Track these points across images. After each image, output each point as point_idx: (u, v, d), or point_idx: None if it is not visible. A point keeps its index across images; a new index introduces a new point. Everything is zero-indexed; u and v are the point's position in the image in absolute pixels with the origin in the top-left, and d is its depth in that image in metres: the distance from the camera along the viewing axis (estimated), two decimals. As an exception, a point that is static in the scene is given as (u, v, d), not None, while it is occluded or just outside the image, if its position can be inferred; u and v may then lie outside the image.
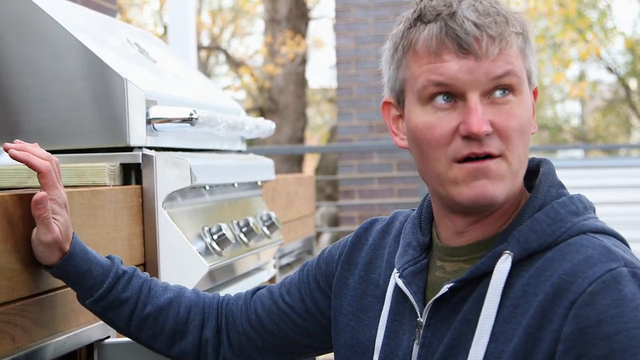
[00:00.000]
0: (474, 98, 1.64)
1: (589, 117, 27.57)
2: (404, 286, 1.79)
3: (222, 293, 2.60)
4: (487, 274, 1.66)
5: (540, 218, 1.67)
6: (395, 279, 1.83)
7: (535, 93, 1.76)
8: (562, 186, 1.76)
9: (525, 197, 1.75)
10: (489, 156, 1.64)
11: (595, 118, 27.30)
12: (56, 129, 2.39)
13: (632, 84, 24.90)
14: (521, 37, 1.67)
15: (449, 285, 1.70)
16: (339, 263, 2.00)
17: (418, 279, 1.79)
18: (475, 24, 1.63)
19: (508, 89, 1.65)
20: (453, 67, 1.65)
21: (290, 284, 2.05)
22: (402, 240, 1.89)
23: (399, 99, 1.76)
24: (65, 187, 2.16)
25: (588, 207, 1.73)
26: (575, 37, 19.01)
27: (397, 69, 1.75)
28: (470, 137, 1.63)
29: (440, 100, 1.67)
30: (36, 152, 1.87)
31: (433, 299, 1.73)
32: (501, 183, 1.65)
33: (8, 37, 2.42)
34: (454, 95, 1.66)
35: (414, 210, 1.94)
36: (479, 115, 1.62)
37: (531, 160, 1.81)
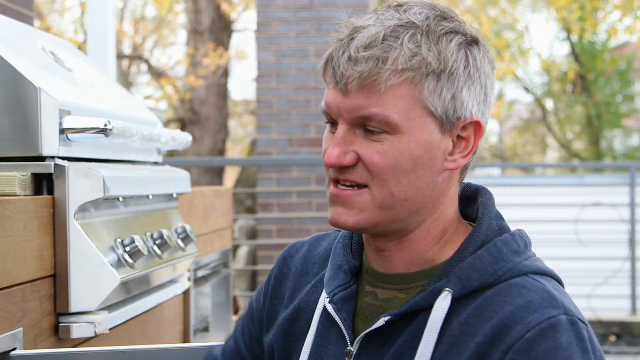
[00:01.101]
0: (340, 129, 1.66)
1: (506, 136, 27.97)
2: (334, 313, 1.78)
3: (136, 305, 2.60)
4: (424, 309, 1.65)
5: (483, 256, 1.66)
6: (325, 304, 1.81)
7: (478, 127, 1.70)
8: (501, 218, 1.77)
9: (459, 226, 1.76)
10: (353, 185, 1.66)
11: (513, 137, 27.73)
12: (-33, 137, 2.36)
13: (549, 104, 25.35)
14: (414, 75, 1.62)
15: (385, 319, 1.69)
16: (267, 299, 1.98)
17: (348, 305, 1.77)
18: (349, 58, 1.62)
19: (380, 129, 1.63)
20: (330, 97, 1.68)
21: (243, 328, 2.03)
22: (332, 262, 1.86)
23: None
24: (-26, 196, 2.14)
25: (528, 244, 1.75)
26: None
27: None
28: None
29: (330, 126, 1.71)
30: None
31: (367, 331, 1.72)
32: (360, 215, 1.67)
33: None
34: (334, 122, 1.69)
35: (338, 231, 1.93)
36: (337, 149, 1.65)
37: (468, 186, 1.82)
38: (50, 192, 2.30)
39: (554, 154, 26.64)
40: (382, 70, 1.60)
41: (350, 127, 1.65)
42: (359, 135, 1.65)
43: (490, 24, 18.37)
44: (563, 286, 1.73)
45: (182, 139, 3.21)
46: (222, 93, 17.60)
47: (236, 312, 9.38)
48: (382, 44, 1.61)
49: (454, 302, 1.63)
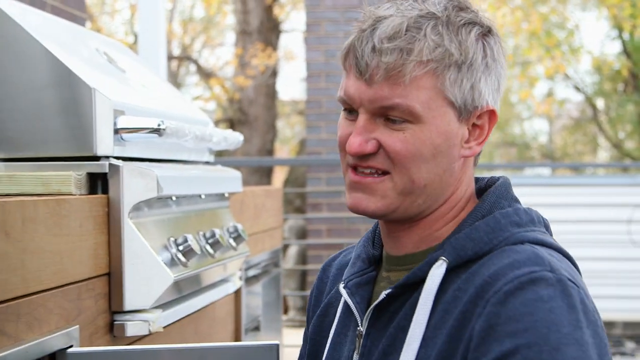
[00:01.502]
0: (362, 118, 1.69)
1: (556, 135, 27.70)
2: (347, 297, 1.81)
3: (188, 303, 2.61)
4: (423, 280, 1.67)
5: (479, 226, 1.68)
6: (340, 289, 1.85)
7: (492, 115, 1.74)
8: (515, 200, 1.77)
9: (471, 207, 1.78)
10: (374, 172, 1.69)
11: (563, 136, 27.45)
12: (23, 137, 2.38)
13: (599, 103, 25.07)
14: (437, 66, 1.65)
15: (386, 292, 1.73)
16: (310, 310, 2.04)
17: (363, 290, 1.81)
18: (373, 48, 1.65)
19: (402, 118, 1.66)
20: (351, 87, 1.71)
21: (304, 340, 2.07)
22: (354, 254, 1.91)
23: None
24: (31, 195, 2.17)
25: (536, 221, 1.73)
26: (541, 55, 19.11)
27: None
28: None
29: (346, 113, 1.74)
30: None
31: (372, 306, 1.76)
32: (380, 201, 1.70)
33: (-25, 44, 2.41)
34: (353, 111, 1.71)
35: None
36: (359, 137, 1.67)
37: (491, 179, 1.83)
38: (105, 191, 2.32)
39: (604, 154, 26.37)
40: (407, 62, 1.63)
41: (371, 115, 1.68)
42: (379, 124, 1.68)
43: (540, 22, 18.23)
44: (574, 263, 1.71)
45: (234, 138, 3.22)
46: (271, 93, 17.64)
47: (286, 311, 9.40)
48: (405, 34, 1.64)
49: (450, 271, 1.65)
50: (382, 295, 1.73)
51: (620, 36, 23.25)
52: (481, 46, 1.69)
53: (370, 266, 1.86)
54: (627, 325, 9.71)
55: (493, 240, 1.66)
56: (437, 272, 1.65)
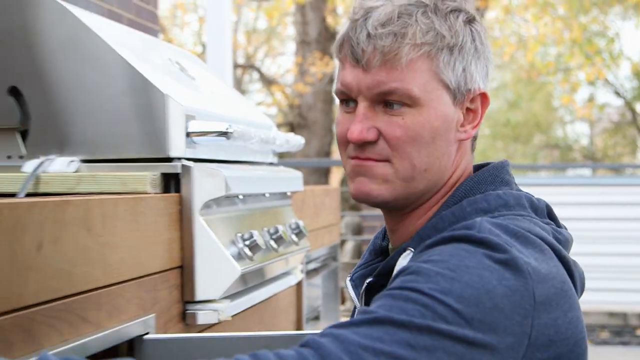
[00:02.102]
0: (361, 106, 1.64)
1: (597, 138, 27.50)
2: (350, 289, 1.79)
3: (254, 294, 2.61)
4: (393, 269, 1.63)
5: (445, 216, 1.63)
6: (346, 282, 1.84)
7: (484, 99, 1.70)
8: (504, 183, 1.70)
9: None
10: (374, 159, 1.64)
11: (603, 139, 27.23)
12: (102, 140, 2.40)
13: (638, 107, 24.88)
14: (429, 47, 1.61)
15: (367, 281, 1.71)
16: None
17: (363, 282, 1.77)
18: (368, 35, 1.60)
19: (401, 102, 1.61)
20: (348, 76, 1.65)
21: None
22: (367, 248, 1.89)
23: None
24: (111, 194, 2.18)
25: (511, 205, 1.63)
26: (582, 62, 18.98)
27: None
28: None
29: (345, 105, 1.68)
30: None
31: (360, 294, 1.75)
32: (383, 185, 1.64)
33: (59, 55, 2.43)
34: (351, 101, 1.66)
35: None
36: (359, 125, 1.62)
37: (485, 164, 1.77)
38: (177, 190, 2.33)
39: (643, 155, 26.13)
40: (402, 45, 1.59)
41: (370, 103, 1.63)
42: (379, 112, 1.63)
43: (581, 31, 18.08)
44: (560, 257, 1.57)
45: (295, 141, 3.22)
46: (328, 99, 17.66)
47: (343, 301, 9.39)
48: (397, 20, 1.60)
49: (416, 257, 1.57)
50: (365, 283, 1.72)
51: (657, 44, 23.01)
52: (469, 31, 1.66)
53: (377, 257, 1.83)
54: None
55: (453, 227, 1.58)
56: (403, 262, 1.61)
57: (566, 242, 1.64)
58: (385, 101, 1.62)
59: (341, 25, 1.85)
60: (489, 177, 1.70)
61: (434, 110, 1.62)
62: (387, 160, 1.63)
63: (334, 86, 1.71)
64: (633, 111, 24.86)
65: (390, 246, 1.79)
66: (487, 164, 1.75)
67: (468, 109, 1.68)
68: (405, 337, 1.31)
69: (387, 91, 1.60)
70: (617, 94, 24.41)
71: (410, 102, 1.60)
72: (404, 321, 1.33)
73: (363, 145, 1.63)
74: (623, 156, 26.46)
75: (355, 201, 1.71)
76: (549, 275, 1.47)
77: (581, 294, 1.62)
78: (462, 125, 1.68)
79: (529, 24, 18.27)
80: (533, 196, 1.68)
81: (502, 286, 1.40)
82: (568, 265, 1.58)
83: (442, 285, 1.38)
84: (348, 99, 1.67)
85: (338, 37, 1.69)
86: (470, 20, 1.67)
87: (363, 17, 1.62)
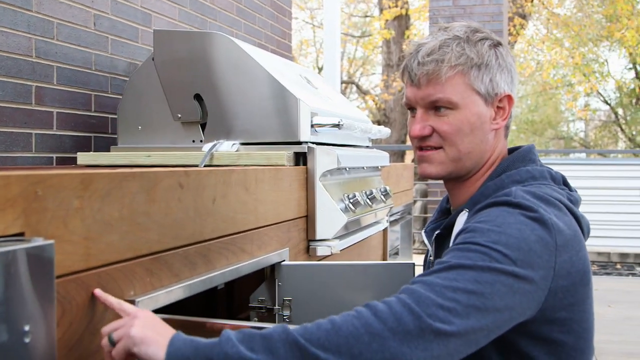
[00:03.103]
0: (418, 113, 1.62)
1: (590, 132, 26.89)
2: (425, 238, 1.76)
3: (355, 236, 2.59)
4: (454, 224, 1.62)
5: (489, 186, 1.58)
6: (422, 233, 1.80)
7: (509, 99, 1.63)
8: (531, 161, 1.64)
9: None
10: (432, 148, 1.61)
11: (595, 132, 26.63)
12: (255, 129, 2.41)
13: (620, 111, 24.40)
14: (461, 67, 1.57)
15: (436, 232, 1.69)
16: None
17: (433, 233, 1.73)
18: (418, 63, 1.59)
19: (445, 107, 1.58)
20: (408, 92, 1.64)
21: None
22: (436, 209, 1.85)
23: None
24: (260, 165, 2.18)
25: (537, 177, 1.58)
26: (582, 79, 18.58)
27: None
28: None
29: (411, 112, 1.66)
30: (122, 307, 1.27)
31: (432, 241, 1.71)
32: (439, 166, 1.62)
33: (227, 72, 2.44)
34: (414, 108, 1.64)
35: None
36: (418, 125, 1.60)
37: (519, 147, 1.70)
38: (304, 163, 2.32)
39: (622, 144, 25.40)
40: (441, 67, 1.57)
41: (425, 109, 1.61)
42: (431, 115, 1.60)
43: (581, 58, 17.61)
44: (575, 216, 1.52)
45: (385, 131, 3.19)
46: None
47: (414, 243, 9.36)
48: (438, 50, 1.58)
49: (471, 217, 1.53)
50: (434, 234, 1.69)
51: (634, 67, 22.45)
52: (493, 52, 1.61)
53: (442, 216, 1.78)
54: (637, 256, 9.35)
55: (497, 192, 1.54)
56: (461, 219, 1.58)
57: (577, 202, 1.60)
58: (435, 107, 1.60)
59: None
60: (520, 157, 1.64)
61: (469, 111, 1.59)
62: (440, 148, 1.61)
63: (403, 100, 1.71)
64: (616, 114, 24.32)
65: (451, 208, 1.75)
66: (519, 147, 1.70)
67: (498, 107, 1.63)
68: (472, 275, 1.29)
69: (434, 100, 1.59)
70: (605, 101, 23.82)
71: (451, 106, 1.58)
72: (470, 265, 1.31)
73: (422, 138, 1.61)
74: (608, 145, 25.81)
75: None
76: (565, 227, 1.43)
77: (587, 237, 1.58)
78: (494, 119, 1.63)
79: (544, 53, 17.87)
80: (552, 170, 1.63)
81: (534, 235, 1.36)
82: (578, 219, 1.53)
83: (493, 238, 1.35)
84: (411, 108, 1.66)
85: (401, 66, 1.68)
86: (495, 45, 1.63)
87: (415, 51, 1.62)
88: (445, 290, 1.26)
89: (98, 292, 1.20)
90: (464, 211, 1.59)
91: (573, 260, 1.42)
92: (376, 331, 1.19)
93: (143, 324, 1.21)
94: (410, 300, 1.24)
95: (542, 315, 1.40)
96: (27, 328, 0.95)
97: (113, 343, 1.20)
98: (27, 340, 0.94)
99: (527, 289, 1.33)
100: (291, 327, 1.22)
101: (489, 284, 1.29)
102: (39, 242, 0.98)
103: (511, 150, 1.71)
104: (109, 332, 1.22)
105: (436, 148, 1.61)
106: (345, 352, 1.17)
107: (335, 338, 1.18)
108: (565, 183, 1.65)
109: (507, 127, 1.69)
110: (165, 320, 1.37)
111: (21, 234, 1.02)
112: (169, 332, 1.21)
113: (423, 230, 1.79)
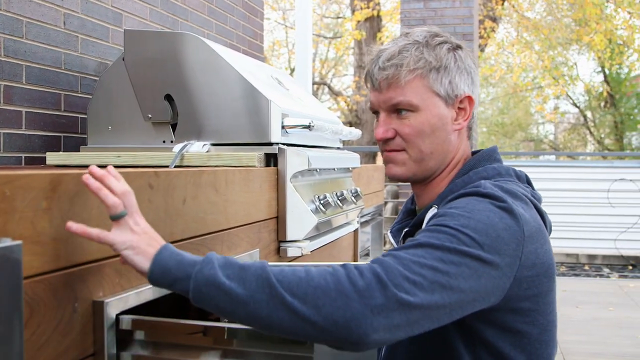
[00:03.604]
0: (382, 115, 1.65)
1: (559, 134, 27.16)
2: (391, 237, 1.79)
3: (325, 237, 2.60)
4: (422, 221, 1.64)
5: (457, 183, 1.62)
6: (388, 234, 1.83)
7: (470, 100, 1.66)
8: (496, 160, 1.68)
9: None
10: (395, 150, 1.64)
11: (564, 135, 26.90)
12: (225, 130, 2.40)
13: (588, 114, 24.64)
14: (421, 70, 1.61)
15: (405, 230, 1.71)
16: None
17: (400, 233, 1.77)
18: (380, 68, 1.63)
19: (406, 109, 1.61)
20: (372, 97, 1.67)
21: None
22: (401, 209, 1.88)
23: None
24: (230, 166, 2.18)
25: (503, 174, 1.62)
26: (551, 82, 18.77)
27: None
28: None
29: (376, 116, 1.69)
30: (112, 185, 1.31)
31: (400, 239, 1.74)
32: (403, 167, 1.65)
33: (198, 73, 2.44)
34: (378, 112, 1.67)
35: None
36: (381, 127, 1.64)
37: (482, 149, 1.74)
38: (275, 164, 2.32)
39: (591, 147, 25.68)
40: (400, 72, 1.60)
41: (387, 113, 1.64)
42: (394, 118, 1.63)
43: (550, 61, 17.78)
44: (539, 211, 1.57)
45: (356, 133, 3.20)
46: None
47: (384, 244, 9.38)
48: (398, 55, 1.62)
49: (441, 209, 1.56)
50: (403, 232, 1.73)
51: (602, 70, 22.70)
52: (452, 55, 1.64)
53: (408, 217, 1.82)
54: (605, 257, 9.47)
55: (465, 188, 1.58)
56: (430, 214, 1.60)
57: (539, 200, 1.65)
58: (397, 110, 1.62)
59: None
60: (486, 156, 1.68)
61: (430, 112, 1.62)
62: (403, 150, 1.64)
63: (367, 104, 1.73)
64: (585, 117, 24.56)
65: (417, 208, 1.78)
66: (480, 150, 1.74)
67: (459, 108, 1.66)
68: (439, 255, 1.33)
69: (395, 103, 1.62)
70: (574, 104, 24.07)
71: (412, 108, 1.61)
72: (438, 245, 1.35)
73: (386, 141, 1.65)
74: (577, 147, 26.09)
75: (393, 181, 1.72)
76: (531, 219, 1.48)
77: (550, 234, 1.61)
78: (456, 120, 1.66)
79: (515, 56, 18.02)
80: (516, 169, 1.68)
81: (502, 223, 1.40)
82: (541, 214, 1.59)
83: (462, 222, 1.39)
84: (375, 112, 1.69)
85: (364, 72, 1.72)
86: (454, 48, 1.66)
87: (377, 57, 1.66)
88: (412, 265, 1.31)
89: (71, 224, 1.20)
90: (432, 208, 1.61)
91: (538, 252, 1.47)
92: (344, 290, 1.24)
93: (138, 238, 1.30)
94: (380, 270, 1.29)
95: (506, 304, 1.44)
96: (-6, 329, 0.94)
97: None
98: (-6, 341, 0.94)
99: (493, 274, 1.37)
100: (271, 266, 1.29)
101: (455, 264, 1.33)
102: (7, 242, 0.98)
103: (473, 153, 1.75)
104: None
105: (399, 150, 1.64)
106: (310, 302, 1.23)
107: (305, 286, 1.25)
108: (528, 182, 1.71)
109: (469, 128, 1.72)
110: (133, 321, 1.37)
111: (-11, 235, 1.01)
112: (160, 242, 1.31)
113: (389, 231, 1.82)
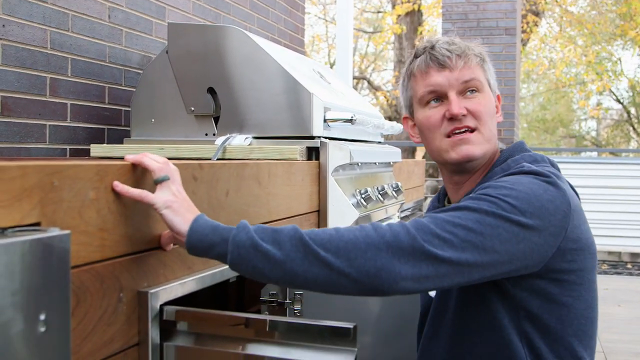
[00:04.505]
0: (452, 95, 1.64)
1: (602, 131, 26.77)
2: None
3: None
4: None
5: (496, 170, 1.63)
6: None
7: (498, 98, 1.73)
8: (526, 151, 1.69)
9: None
10: (468, 130, 1.63)
11: (607, 131, 26.50)
12: (267, 123, 2.40)
13: (632, 110, 24.26)
14: (479, 58, 1.67)
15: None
16: None
17: None
18: (447, 49, 1.64)
19: (474, 89, 1.64)
20: (440, 78, 1.65)
21: None
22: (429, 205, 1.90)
23: (411, 111, 1.75)
24: (273, 159, 2.18)
25: (539, 160, 1.63)
26: (595, 77, 18.49)
27: (406, 92, 1.75)
28: (453, 119, 1.62)
29: (432, 102, 1.67)
30: (153, 157, 1.35)
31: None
32: (478, 147, 1.63)
33: (240, 66, 2.44)
34: (440, 97, 1.65)
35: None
36: (457, 105, 1.62)
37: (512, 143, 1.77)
38: (317, 158, 2.32)
39: (634, 143, 25.26)
40: (469, 53, 1.65)
41: (458, 93, 1.64)
42: (462, 99, 1.64)
43: (594, 56, 17.51)
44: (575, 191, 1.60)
45: (397, 127, 3.18)
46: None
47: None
48: (459, 42, 1.67)
49: None
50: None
51: (648, 66, 22.32)
52: (488, 57, 1.72)
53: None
54: (632, 255, 9.34)
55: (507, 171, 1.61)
56: None
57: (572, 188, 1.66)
58: (465, 90, 1.64)
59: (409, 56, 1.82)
60: (518, 147, 1.70)
61: (489, 97, 1.67)
62: (475, 129, 1.64)
63: (420, 92, 1.68)
64: (628, 113, 24.17)
65: (447, 204, 1.79)
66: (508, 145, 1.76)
67: (496, 105, 1.72)
68: (476, 216, 1.38)
69: (468, 80, 1.64)
70: (618, 100, 23.69)
71: (478, 89, 1.65)
72: (475, 207, 1.39)
73: (459, 120, 1.63)
74: (620, 144, 25.69)
75: (457, 164, 1.67)
76: (573, 196, 1.52)
77: None
78: (497, 112, 1.72)
79: (557, 51, 17.78)
80: (550, 157, 1.69)
81: (548, 194, 1.44)
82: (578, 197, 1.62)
83: (504, 192, 1.42)
84: (438, 97, 1.66)
85: (417, 61, 1.70)
86: (486, 53, 1.74)
87: (435, 42, 1.68)
88: (445, 224, 1.36)
89: (117, 183, 1.22)
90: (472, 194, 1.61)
91: (582, 229, 1.50)
92: (373, 242, 1.31)
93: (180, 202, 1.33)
94: (411, 225, 1.35)
95: (550, 274, 1.47)
96: (42, 317, 0.95)
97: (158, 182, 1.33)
98: (42, 329, 0.95)
99: (534, 239, 1.40)
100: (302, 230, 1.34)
101: (491, 227, 1.36)
102: (55, 232, 0.99)
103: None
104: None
105: (472, 130, 1.64)
106: (342, 255, 1.29)
107: (336, 241, 1.31)
108: (554, 166, 1.71)
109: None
110: (177, 312, 1.38)
111: (37, 224, 1.02)
112: (197, 212, 1.35)
113: None
